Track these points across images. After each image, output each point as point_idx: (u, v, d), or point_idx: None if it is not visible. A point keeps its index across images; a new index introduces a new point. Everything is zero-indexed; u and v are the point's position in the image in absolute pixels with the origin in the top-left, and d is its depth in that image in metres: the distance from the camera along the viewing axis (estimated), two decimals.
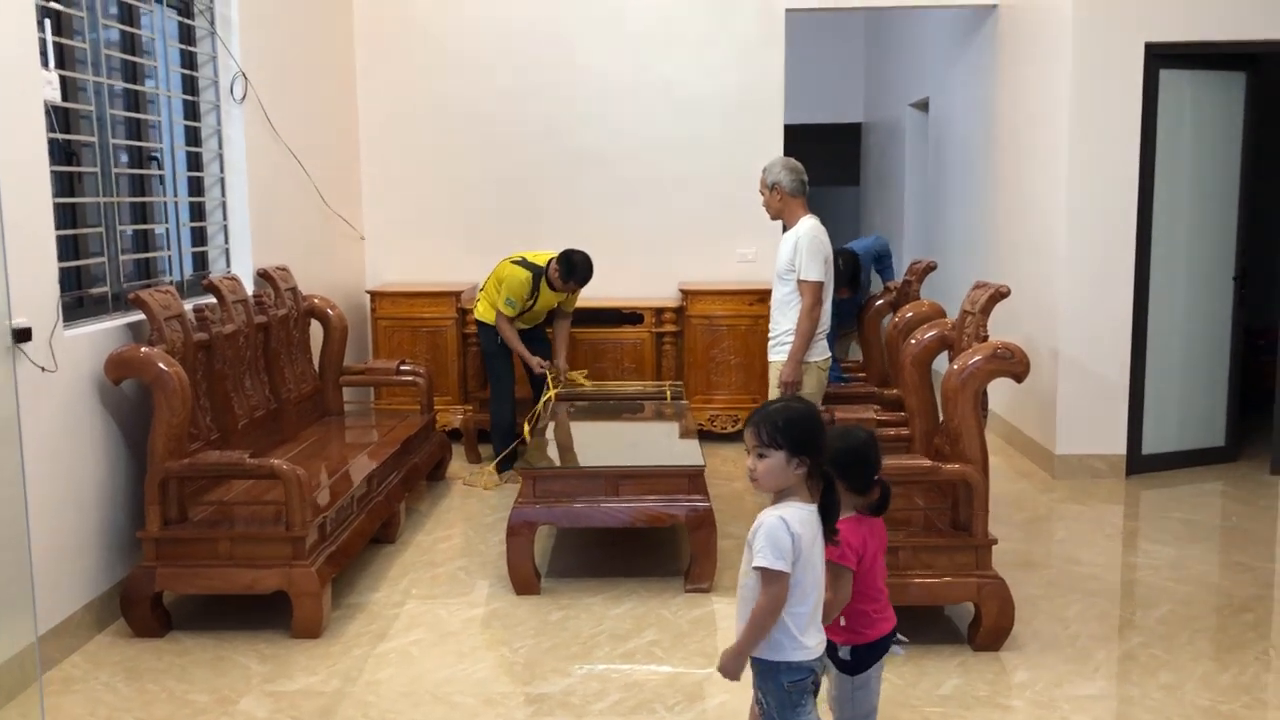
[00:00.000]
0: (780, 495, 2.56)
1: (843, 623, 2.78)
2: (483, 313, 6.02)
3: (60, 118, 4.01)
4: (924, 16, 8.71)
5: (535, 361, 5.97)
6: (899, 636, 2.86)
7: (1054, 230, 5.98)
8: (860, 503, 2.78)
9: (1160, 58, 5.76)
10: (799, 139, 11.57)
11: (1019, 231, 6.60)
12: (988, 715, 3.37)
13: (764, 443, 2.50)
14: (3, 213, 3.42)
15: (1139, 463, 6.00)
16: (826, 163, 12.65)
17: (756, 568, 2.48)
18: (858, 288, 6.06)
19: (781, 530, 2.47)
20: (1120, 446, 5.95)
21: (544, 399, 5.83)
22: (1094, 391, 5.91)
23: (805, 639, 2.56)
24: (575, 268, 5.78)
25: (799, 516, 2.51)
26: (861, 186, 11.98)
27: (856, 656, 2.78)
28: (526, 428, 5.65)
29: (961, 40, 7.88)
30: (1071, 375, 5.92)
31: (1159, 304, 5.96)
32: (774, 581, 2.47)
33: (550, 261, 5.83)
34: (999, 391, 6.86)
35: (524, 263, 5.87)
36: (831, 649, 2.79)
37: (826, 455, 2.66)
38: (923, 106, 9.26)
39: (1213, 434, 6.22)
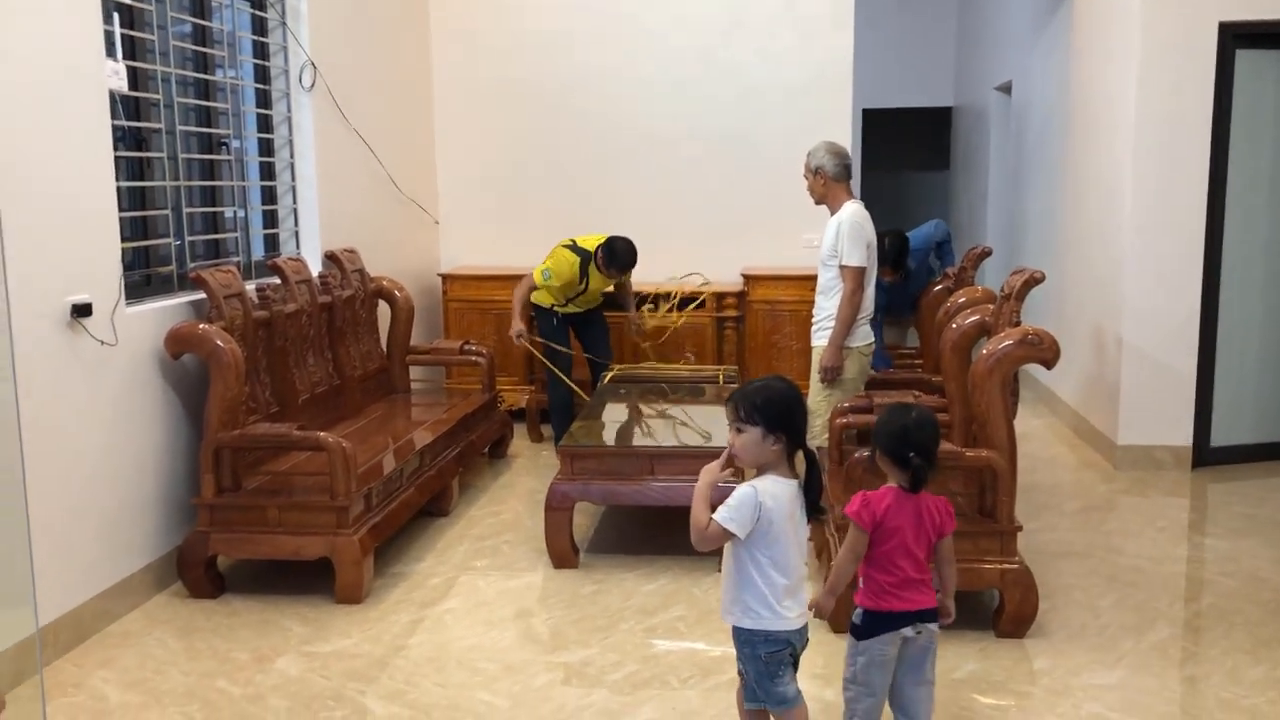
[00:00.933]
0: (761, 469, 2.67)
1: (860, 583, 2.85)
2: (539, 297, 6.14)
3: (130, 106, 4.26)
4: None
5: (516, 329, 6.05)
6: (921, 626, 2.84)
7: (1120, 217, 5.84)
8: (902, 479, 2.82)
9: (1237, 37, 5.57)
10: (889, 123, 11.56)
11: (1088, 218, 6.45)
12: (999, 700, 3.37)
13: (741, 418, 2.62)
14: (56, 196, 3.67)
15: (1207, 455, 5.84)
16: (917, 147, 12.54)
17: (713, 517, 2.61)
18: (904, 271, 5.98)
19: (749, 499, 2.60)
20: (1187, 438, 5.79)
21: (601, 378, 5.99)
22: (1160, 381, 5.75)
23: (783, 609, 2.65)
24: (616, 255, 5.88)
25: (772, 490, 2.62)
26: (951, 171, 11.79)
27: (865, 622, 2.82)
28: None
29: (1041, 21, 7.71)
30: (1137, 364, 5.77)
31: (1232, 293, 5.77)
32: (720, 536, 2.62)
33: (598, 247, 5.94)
34: (1069, 381, 6.77)
35: (574, 247, 5.99)
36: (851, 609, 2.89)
37: (882, 432, 2.83)
38: (1007, 90, 9.08)
39: None
